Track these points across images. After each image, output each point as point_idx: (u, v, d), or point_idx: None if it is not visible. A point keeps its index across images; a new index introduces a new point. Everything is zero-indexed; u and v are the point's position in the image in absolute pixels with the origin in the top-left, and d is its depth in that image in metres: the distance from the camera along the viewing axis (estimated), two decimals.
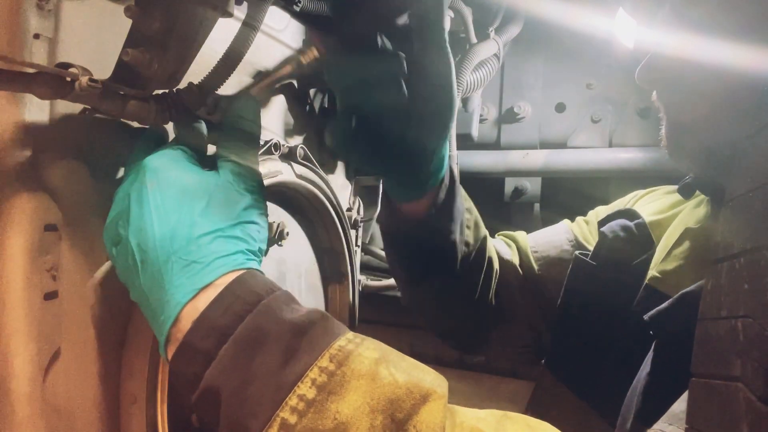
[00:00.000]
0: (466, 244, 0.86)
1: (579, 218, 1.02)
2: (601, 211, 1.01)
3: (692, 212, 0.79)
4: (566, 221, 1.04)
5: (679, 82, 0.68)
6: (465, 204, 0.87)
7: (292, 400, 0.43)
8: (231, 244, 0.51)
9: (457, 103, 0.70)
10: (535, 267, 0.99)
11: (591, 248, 0.93)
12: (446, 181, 0.79)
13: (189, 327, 0.47)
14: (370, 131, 0.68)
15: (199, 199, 0.51)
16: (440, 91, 0.67)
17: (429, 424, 0.43)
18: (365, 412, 0.43)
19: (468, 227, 0.87)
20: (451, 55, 0.66)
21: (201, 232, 0.50)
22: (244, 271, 0.50)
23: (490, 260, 0.93)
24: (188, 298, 0.48)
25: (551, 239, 1.00)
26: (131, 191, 0.51)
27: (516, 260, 1.00)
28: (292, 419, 0.43)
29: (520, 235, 1.05)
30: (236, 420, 0.45)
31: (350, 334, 0.49)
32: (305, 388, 0.44)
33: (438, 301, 0.93)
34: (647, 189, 0.97)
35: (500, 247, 1.01)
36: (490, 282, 0.93)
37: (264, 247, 0.55)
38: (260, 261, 0.54)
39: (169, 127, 0.60)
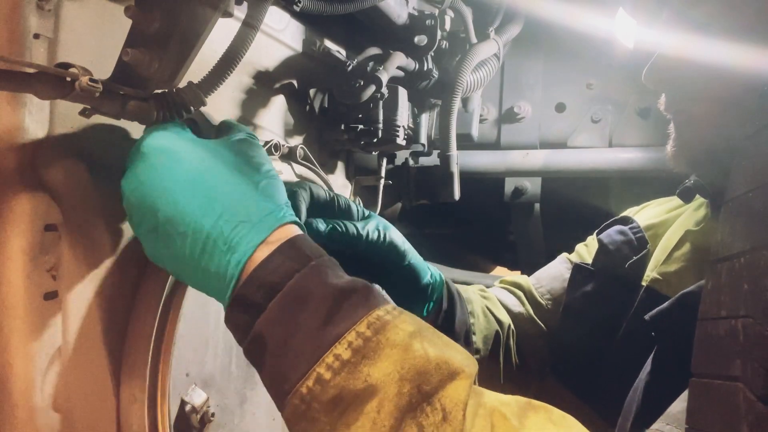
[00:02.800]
0: (476, 351, 0.88)
1: (578, 245, 1.02)
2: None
3: (692, 215, 0.79)
4: (564, 254, 1.03)
5: (683, 82, 0.68)
6: (468, 307, 0.89)
7: (329, 358, 0.46)
8: (268, 200, 0.53)
9: (428, 274, 0.82)
10: (543, 303, 0.98)
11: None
12: (444, 305, 0.84)
13: (243, 281, 0.49)
14: None
15: (220, 163, 0.53)
16: (393, 262, 0.77)
17: (453, 399, 0.45)
18: (394, 378, 0.45)
19: (474, 333, 0.89)
20: (391, 233, 0.76)
21: (237, 193, 0.52)
22: (295, 227, 0.53)
23: (501, 327, 0.93)
24: (247, 257, 0.49)
25: (551, 271, 1.00)
26: (146, 177, 0.52)
27: (526, 308, 0.99)
28: (327, 375, 0.45)
29: (522, 279, 1.04)
30: (278, 368, 0.47)
31: (390, 306, 0.50)
32: (341, 349, 0.46)
33: None
34: (640, 205, 0.96)
35: (507, 299, 1.00)
36: (508, 347, 0.94)
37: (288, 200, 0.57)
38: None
39: None
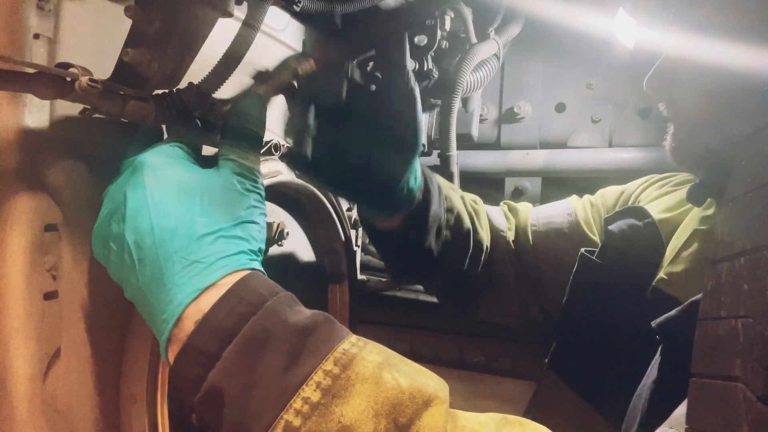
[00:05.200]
0: (445, 242, 0.89)
1: (586, 198, 1.02)
2: (609, 193, 1.00)
3: (701, 212, 0.78)
4: (573, 198, 1.04)
5: (685, 85, 0.68)
6: (446, 203, 0.89)
7: (297, 403, 0.43)
8: (233, 244, 0.50)
9: (423, 138, 0.79)
10: (531, 241, 1.00)
11: (591, 234, 0.94)
12: (419, 195, 0.82)
13: (192, 328, 0.47)
14: (336, 161, 0.73)
15: (199, 198, 0.51)
16: (403, 124, 0.72)
17: (431, 429, 0.43)
18: (369, 416, 0.43)
19: (448, 228, 0.89)
20: (416, 90, 0.72)
21: (203, 232, 0.49)
22: (248, 272, 0.50)
23: (478, 243, 0.94)
24: (191, 299, 0.47)
25: (552, 219, 1.01)
26: (127, 188, 0.50)
27: (511, 234, 1.01)
28: (297, 422, 0.43)
29: (524, 208, 1.06)
30: (239, 422, 0.44)
31: (353, 338, 0.48)
32: (310, 391, 0.44)
33: (421, 282, 1.00)
34: (661, 175, 0.96)
35: (497, 219, 1.02)
36: (477, 260, 0.95)
37: (264, 247, 0.55)
38: (261, 261, 0.54)
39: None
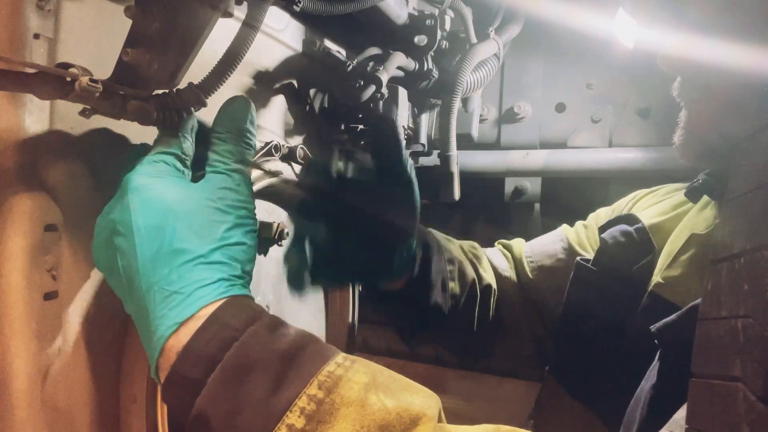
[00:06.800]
0: (453, 296, 0.89)
1: (578, 223, 1.03)
2: (601, 213, 1.01)
3: (698, 215, 0.78)
4: (564, 227, 1.04)
5: (699, 69, 0.68)
6: (446, 255, 0.90)
7: (281, 430, 0.43)
8: (213, 270, 0.49)
9: (416, 220, 0.79)
10: (530, 275, 1.00)
11: (587, 254, 0.94)
12: (420, 254, 0.83)
13: (174, 359, 0.47)
14: (329, 250, 0.75)
15: (180, 223, 0.50)
16: (400, 211, 0.74)
17: None
18: None
19: (452, 280, 0.90)
20: (413, 177, 0.75)
21: (182, 260, 0.49)
22: (227, 299, 0.49)
23: (485, 289, 0.95)
24: (170, 332, 0.47)
25: (546, 248, 1.02)
26: (115, 213, 0.50)
27: (513, 273, 1.02)
28: None
29: (517, 243, 1.06)
30: None
31: (339, 357, 0.48)
32: (294, 418, 0.43)
33: (436, 341, 0.98)
34: (648, 189, 0.96)
35: (498, 261, 1.02)
36: (487, 306, 0.96)
37: (251, 267, 0.54)
38: (247, 282, 0.53)
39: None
